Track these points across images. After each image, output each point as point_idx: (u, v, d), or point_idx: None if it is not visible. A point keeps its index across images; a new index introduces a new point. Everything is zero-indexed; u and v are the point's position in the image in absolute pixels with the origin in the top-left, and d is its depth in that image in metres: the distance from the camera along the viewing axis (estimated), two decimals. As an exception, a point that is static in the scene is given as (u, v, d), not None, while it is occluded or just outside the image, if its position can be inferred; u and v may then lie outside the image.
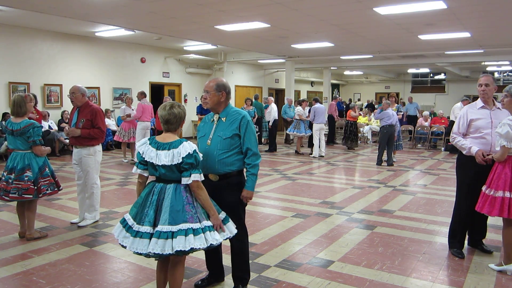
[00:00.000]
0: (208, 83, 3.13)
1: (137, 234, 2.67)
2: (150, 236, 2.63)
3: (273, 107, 12.48)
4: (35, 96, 8.27)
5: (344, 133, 13.42)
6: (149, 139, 2.83)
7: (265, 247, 4.30)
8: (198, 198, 2.76)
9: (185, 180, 2.70)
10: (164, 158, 2.68)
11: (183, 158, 2.66)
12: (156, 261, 2.98)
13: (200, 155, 2.79)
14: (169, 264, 2.87)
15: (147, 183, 2.90)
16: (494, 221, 4.91)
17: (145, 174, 2.88)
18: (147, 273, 3.61)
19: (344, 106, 19.06)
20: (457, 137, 3.99)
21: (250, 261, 3.36)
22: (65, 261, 3.89)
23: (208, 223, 2.73)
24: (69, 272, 3.66)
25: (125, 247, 2.71)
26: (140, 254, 2.65)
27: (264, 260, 3.94)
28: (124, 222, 2.80)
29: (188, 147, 2.70)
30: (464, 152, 3.93)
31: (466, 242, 4.26)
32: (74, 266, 3.77)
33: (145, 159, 2.76)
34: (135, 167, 2.89)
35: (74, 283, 3.43)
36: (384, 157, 9.91)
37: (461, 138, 3.97)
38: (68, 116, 10.76)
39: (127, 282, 3.48)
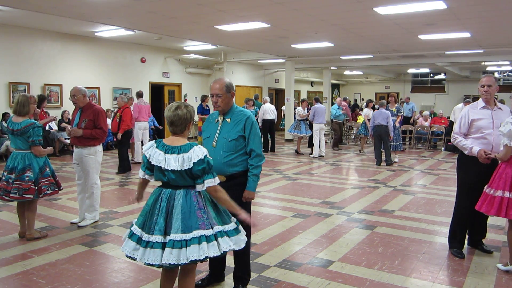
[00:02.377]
0: (215, 85, 3.04)
1: (147, 245, 2.52)
2: (162, 245, 2.49)
3: (264, 107, 12.21)
4: (43, 98, 8.26)
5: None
6: (156, 142, 2.68)
7: (265, 247, 4.30)
8: (218, 201, 2.65)
9: (199, 187, 2.59)
10: (173, 162, 2.53)
11: (194, 163, 2.52)
12: (161, 268, 2.78)
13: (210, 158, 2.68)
14: (180, 272, 2.77)
15: (154, 188, 2.76)
16: (494, 221, 4.91)
17: (151, 180, 2.76)
18: (147, 273, 3.61)
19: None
20: (458, 137, 3.99)
21: (250, 261, 3.36)
22: (65, 261, 3.89)
23: (219, 228, 2.59)
24: (69, 272, 3.65)
25: (134, 259, 2.56)
26: (152, 265, 2.50)
27: (264, 260, 3.94)
28: (132, 236, 2.63)
29: (199, 152, 2.55)
30: (465, 152, 3.92)
31: (466, 242, 4.25)
32: (74, 266, 3.77)
33: (151, 163, 2.62)
34: (141, 171, 2.75)
35: (74, 283, 3.43)
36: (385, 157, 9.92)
37: (462, 138, 3.96)
38: (69, 116, 10.79)
39: (127, 282, 3.48)
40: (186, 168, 2.53)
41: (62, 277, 3.55)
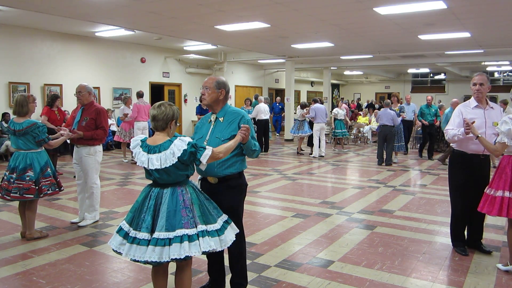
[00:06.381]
0: (207, 79, 3.05)
1: (134, 241, 2.58)
2: (148, 243, 2.55)
3: (258, 107, 12.11)
4: (54, 97, 7.90)
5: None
6: (141, 140, 2.74)
7: (265, 247, 4.30)
8: (226, 155, 2.78)
9: (202, 167, 2.72)
10: (156, 162, 2.59)
11: (179, 158, 2.58)
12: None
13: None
14: (176, 269, 2.81)
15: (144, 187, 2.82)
16: (494, 221, 4.92)
17: None
18: (147, 273, 3.60)
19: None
20: (448, 131, 3.98)
21: (250, 261, 3.35)
22: (65, 261, 3.89)
23: (203, 227, 2.61)
24: (69, 272, 3.66)
25: (120, 253, 2.63)
26: (138, 261, 2.57)
27: (264, 260, 3.94)
28: (120, 231, 2.70)
29: (180, 144, 2.60)
30: (457, 138, 3.89)
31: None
32: (74, 266, 3.77)
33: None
34: None
35: (74, 283, 3.43)
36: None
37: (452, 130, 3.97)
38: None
39: (127, 282, 3.49)
40: (170, 164, 2.58)
41: (62, 277, 3.55)
